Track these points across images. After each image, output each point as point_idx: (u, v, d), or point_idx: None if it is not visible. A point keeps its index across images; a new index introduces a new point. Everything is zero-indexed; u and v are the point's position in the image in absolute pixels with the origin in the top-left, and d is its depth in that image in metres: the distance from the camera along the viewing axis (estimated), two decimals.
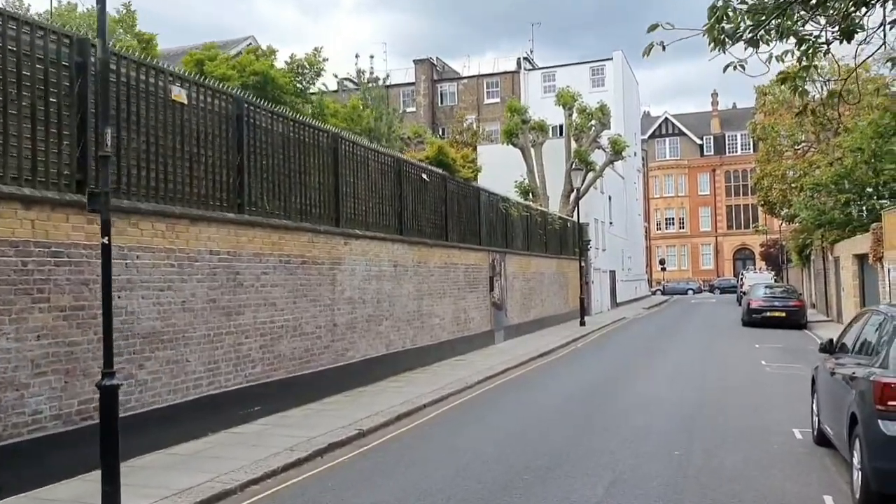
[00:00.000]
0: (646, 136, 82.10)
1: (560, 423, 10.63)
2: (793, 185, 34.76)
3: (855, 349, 7.50)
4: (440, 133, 52.06)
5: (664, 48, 6.98)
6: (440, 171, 18.75)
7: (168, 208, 9.42)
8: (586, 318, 33.72)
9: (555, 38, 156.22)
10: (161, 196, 9.41)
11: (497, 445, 9.40)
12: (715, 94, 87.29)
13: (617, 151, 37.03)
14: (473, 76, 56.46)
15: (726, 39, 6.91)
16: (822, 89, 36.27)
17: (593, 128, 37.06)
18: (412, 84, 56.53)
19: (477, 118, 54.06)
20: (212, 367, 10.09)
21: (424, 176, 17.53)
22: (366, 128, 34.21)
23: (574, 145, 36.52)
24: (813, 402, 9.04)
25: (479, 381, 15.05)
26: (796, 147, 34.98)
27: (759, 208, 49.84)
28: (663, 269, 78.69)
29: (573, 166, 32.33)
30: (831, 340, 8.42)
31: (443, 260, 18.37)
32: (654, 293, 69.75)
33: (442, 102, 56.78)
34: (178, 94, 9.72)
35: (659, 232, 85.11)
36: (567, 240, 33.24)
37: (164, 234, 9.34)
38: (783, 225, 46.94)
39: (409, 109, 55.60)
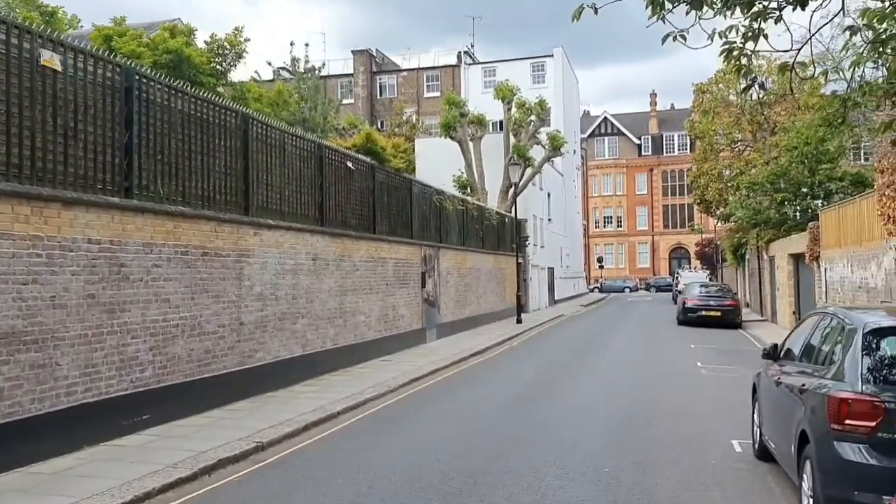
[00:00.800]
0: (585, 135, 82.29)
1: (483, 435, 9.70)
2: (729, 183, 34.71)
3: (802, 356, 6.74)
4: (379, 126, 50.92)
5: (596, 11, 6.10)
6: (368, 159, 17.68)
7: (34, 190, 8.15)
8: (524, 316, 33.05)
9: (498, 36, 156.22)
10: (26, 176, 8.14)
11: (412, 462, 8.42)
12: (654, 95, 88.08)
13: (556, 147, 36.44)
14: (413, 69, 55.40)
15: (665, 2, 6.07)
16: (759, 88, 36.37)
17: (532, 123, 36.40)
18: (350, 75, 55.16)
19: (417, 112, 53.03)
20: (89, 372, 8.85)
21: (349, 164, 16.44)
22: (299, 118, 32.95)
23: (513, 140, 35.80)
24: (754, 412, 8.28)
25: (403, 384, 14.05)
26: (733, 146, 34.92)
27: (695, 207, 50.04)
28: (601, 267, 78.94)
29: (511, 161, 31.54)
30: (775, 346, 7.64)
31: (369, 254, 17.30)
32: (591, 290, 69.81)
33: (381, 94, 55.57)
34: (50, 58, 8.46)
35: (597, 230, 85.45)
36: (505, 235, 32.49)
37: (29, 220, 8.08)
38: (718, 224, 47.16)
39: (346, 101, 54.27)
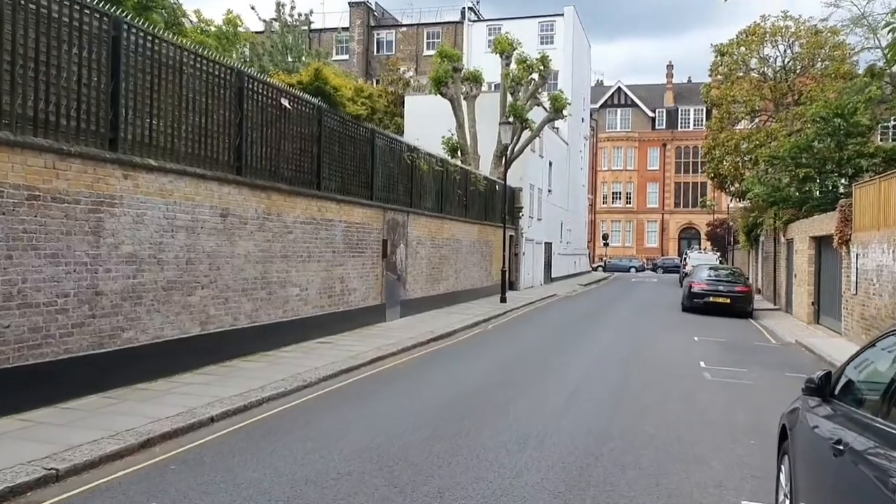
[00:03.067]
0: (597, 106, 78.72)
1: (398, 469, 6.76)
2: (746, 157, 31.45)
3: (889, 401, 3.72)
4: (374, 83, 47.72)
5: None
6: (315, 100, 14.62)
7: None
8: (512, 294, 30.22)
9: (507, 1, 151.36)
10: None
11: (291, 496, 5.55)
12: (670, 66, 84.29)
13: (557, 109, 33.18)
14: (413, 24, 51.95)
15: None
16: (786, 52, 33.04)
17: (533, 81, 33.12)
18: (347, 29, 51.77)
19: (415, 70, 49.70)
20: None
21: (285, 102, 13.40)
22: (282, 69, 29.82)
23: (510, 99, 32.57)
24: (781, 474, 5.26)
25: (325, 377, 11.14)
26: (753, 115, 31.60)
27: (709, 182, 46.74)
28: (606, 245, 75.75)
29: (504, 120, 28.24)
30: (827, 376, 4.59)
31: (309, 214, 14.32)
32: (595, 269, 66.76)
33: (378, 51, 52.22)
34: None
35: (605, 206, 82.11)
36: (495, 204, 29.42)
37: None
38: (732, 203, 43.89)
39: (340, 57, 51.02)
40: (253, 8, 49.98)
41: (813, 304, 22.76)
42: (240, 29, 35.29)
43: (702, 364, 13.72)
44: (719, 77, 33.74)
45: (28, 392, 8.03)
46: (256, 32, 39.34)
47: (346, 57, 51.40)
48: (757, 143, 29.85)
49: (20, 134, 7.90)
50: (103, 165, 9.05)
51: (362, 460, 6.94)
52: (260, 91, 12.70)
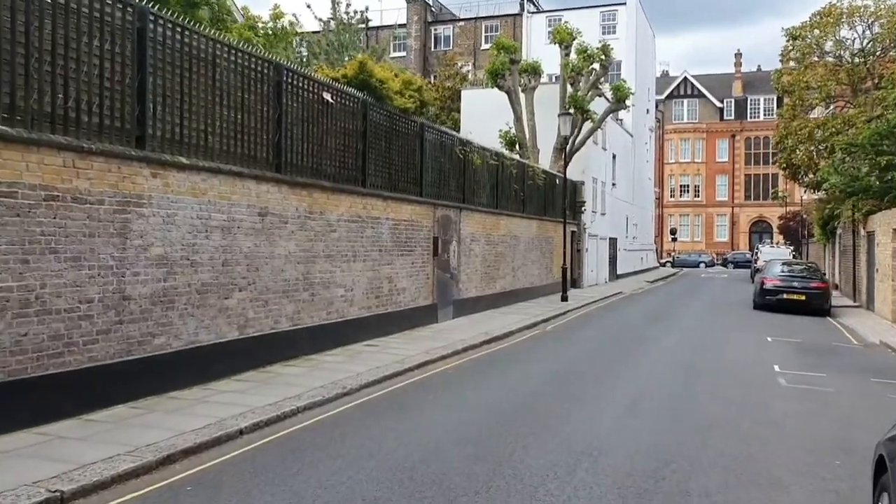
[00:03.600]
0: (662, 97, 76.69)
1: (429, 495, 6.06)
2: (821, 145, 29.74)
3: None
4: (431, 79, 47.18)
5: None
6: (359, 94, 14.05)
7: None
8: (574, 292, 29.28)
9: None
10: None
11: None
12: (738, 55, 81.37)
13: (619, 99, 32.02)
14: (471, 18, 51.20)
15: None
16: (864, 33, 31.12)
17: (594, 71, 32.04)
18: (403, 26, 51.34)
19: (473, 65, 49.00)
20: None
21: (327, 96, 12.85)
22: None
23: (569, 90, 31.56)
24: None
25: (370, 381, 10.56)
26: (828, 101, 29.81)
27: (780, 173, 44.68)
28: (674, 240, 73.71)
29: (563, 111, 27.24)
30: None
31: (354, 212, 13.77)
32: (662, 265, 64.88)
33: (435, 46, 51.66)
34: None
35: (672, 200, 79.87)
36: (555, 199, 28.48)
37: None
38: (805, 194, 41.86)
39: (397, 54, 50.58)
40: (309, 6, 49.81)
41: None
42: (296, 28, 35.25)
43: (776, 368, 12.66)
44: (791, 63, 32.03)
45: (49, 403, 7.64)
46: (313, 32, 39.22)
47: (403, 54, 50.99)
48: (833, 130, 28.14)
49: (36, 131, 7.49)
50: (129, 164, 8.61)
51: (392, 483, 6.28)
52: (300, 85, 12.17)
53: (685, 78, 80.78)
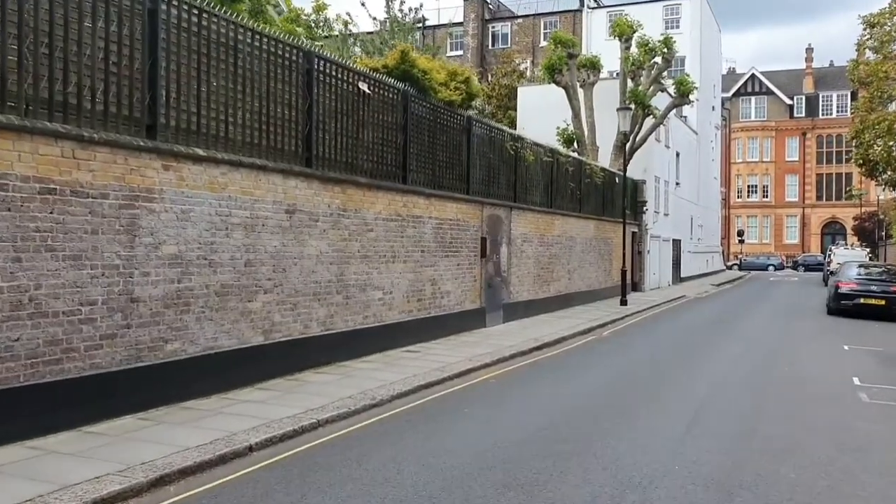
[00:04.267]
0: (729, 94, 74.17)
1: None
2: None
3: None
4: (488, 78, 46.36)
5: None
6: (399, 85, 13.28)
7: None
8: (635, 296, 28.08)
9: None
10: None
11: None
12: (810, 50, 78.34)
13: (683, 94, 30.58)
14: (529, 15, 50.13)
15: None
16: None
17: (656, 65, 30.69)
18: (461, 24, 50.60)
19: (531, 62, 47.93)
20: None
21: (363, 86, 12.11)
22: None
23: (630, 85, 30.29)
24: None
25: (403, 392, 9.75)
26: None
27: (855, 171, 42.25)
28: (741, 242, 71.17)
29: (622, 105, 25.98)
30: None
31: (394, 210, 13.00)
32: (729, 268, 62.61)
33: (493, 44, 50.73)
34: None
35: (739, 200, 77.18)
36: (614, 198, 27.27)
37: None
38: (884, 193, 39.50)
39: (454, 53, 49.90)
40: (363, 4, 49.55)
41: None
42: (351, 27, 34.75)
43: (856, 381, 11.37)
44: (868, 53, 30.06)
45: (45, 415, 7.03)
46: (368, 33, 38.82)
47: (460, 52, 50.25)
48: None
49: (31, 118, 6.90)
50: (137, 155, 7.98)
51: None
52: (333, 74, 11.44)
53: (753, 75, 78.03)
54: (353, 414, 8.62)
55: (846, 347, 15.42)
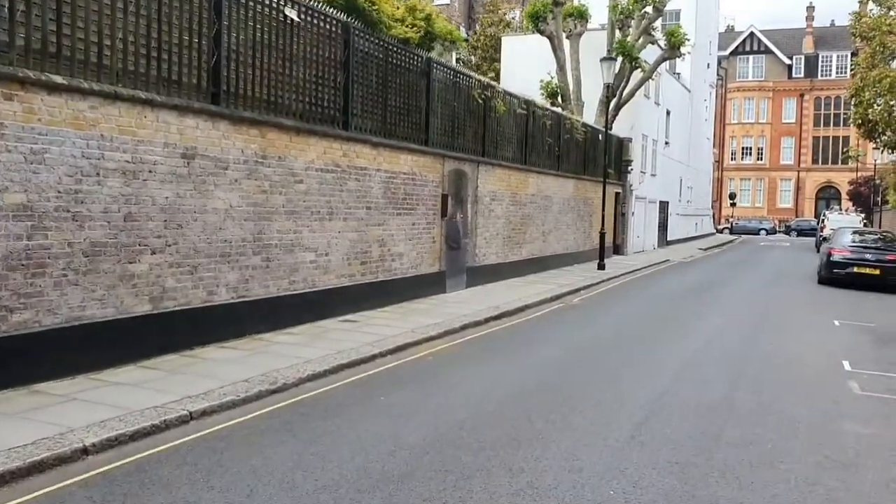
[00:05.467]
0: (726, 53, 71.97)
1: None
2: None
3: None
4: (475, 30, 44.33)
5: None
6: (339, 15, 11.55)
7: None
8: (617, 259, 26.75)
9: None
10: None
11: None
12: (811, 9, 75.69)
13: (674, 46, 28.70)
14: None
15: None
16: None
17: (646, 15, 28.77)
18: None
19: (521, 12, 45.72)
20: None
21: (291, 13, 10.38)
22: None
23: (618, 35, 28.45)
24: None
25: (318, 373, 8.27)
26: None
27: (854, 132, 40.50)
28: (733, 205, 69.60)
29: (606, 56, 24.07)
30: None
31: (331, 159, 11.38)
32: (720, 231, 61.18)
33: None
34: None
35: (733, 162, 75.41)
36: (597, 156, 25.60)
37: None
38: (883, 155, 37.89)
39: (440, 2, 47.61)
40: None
41: None
42: None
43: (846, 366, 9.90)
44: (871, 5, 28.24)
45: None
46: None
47: (447, 1, 48.00)
48: None
49: None
50: None
51: None
52: None
53: (752, 33, 75.67)
54: (241, 403, 7.11)
55: (837, 323, 13.97)
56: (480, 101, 16.55)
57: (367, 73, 12.34)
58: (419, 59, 14.01)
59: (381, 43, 12.72)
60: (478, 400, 7.50)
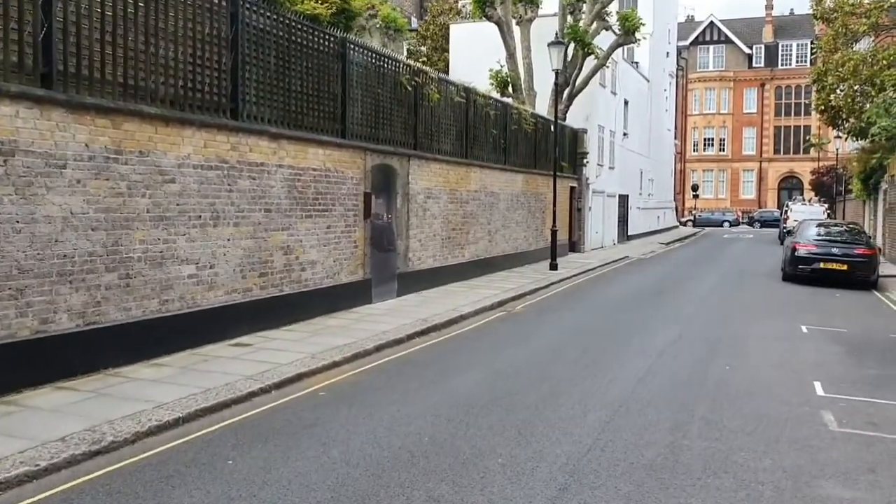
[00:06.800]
0: (687, 43, 71.10)
1: None
2: (868, 83, 24.90)
3: None
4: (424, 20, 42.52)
5: None
6: None
7: None
8: (573, 257, 25.37)
9: None
10: None
11: None
12: None
13: (628, 31, 27.21)
14: None
15: None
16: None
17: (598, 0, 27.26)
18: None
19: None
20: None
21: None
22: None
23: (569, 20, 26.93)
24: None
25: (164, 423, 6.55)
26: (877, 30, 24.84)
27: (816, 120, 39.51)
28: (696, 197, 68.72)
29: (553, 41, 22.43)
30: None
31: (215, 153, 9.64)
32: (683, 224, 60.24)
33: None
34: None
35: (695, 154, 74.58)
36: (548, 149, 24.07)
37: None
38: (846, 144, 36.90)
39: None
40: None
41: None
42: None
43: (818, 390, 8.39)
44: None
45: None
46: None
47: None
48: (883, 63, 23.35)
49: None
50: None
51: None
52: None
53: (711, 22, 74.85)
54: (42, 474, 5.39)
55: (804, 329, 12.53)
56: (410, 89, 14.88)
57: (264, 54, 10.61)
58: (332, 40, 12.29)
59: (281, 19, 10.99)
60: (346, 468, 5.76)
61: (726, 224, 60.37)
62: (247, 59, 10.23)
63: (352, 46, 12.84)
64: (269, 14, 10.70)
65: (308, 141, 11.58)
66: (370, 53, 13.63)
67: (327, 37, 12.16)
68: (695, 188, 69.28)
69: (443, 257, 16.71)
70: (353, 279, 13.00)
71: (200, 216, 9.42)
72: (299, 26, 11.41)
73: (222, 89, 9.83)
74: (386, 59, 14.20)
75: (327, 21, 12.26)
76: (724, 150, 74.74)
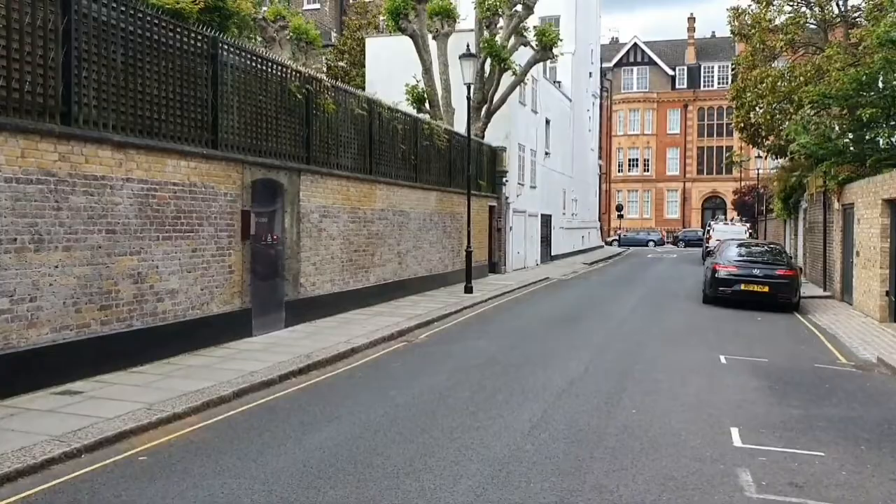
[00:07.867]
0: (611, 64, 71.66)
1: None
2: (786, 100, 24.62)
3: None
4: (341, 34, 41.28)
5: None
6: None
7: None
8: (493, 279, 24.31)
9: None
10: None
11: None
12: (692, 20, 76.34)
13: (545, 46, 26.40)
14: None
15: None
16: None
17: (516, 14, 26.43)
18: None
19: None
20: None
21: None
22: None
23: (485, 34, 25.98)
24: None
25: None
26: (793, 46, 24.64)
27: (736, 138, 39.54)
28: (621, 217, 68.87)
29: (464, 54, 21.33)
30: None
31: (38, 164, 8.09)
32: (609, 243, 60.13)
33: None
34: None
35: (620, 174, 74.97)
36: (464, 167, 22.92)
37: None
38: (766, 162, 36.96)
39: (312, 6, 44.51)
40: None
41: (888, 294, 16.27)
42: None
43: (735, 439, 7.24)
44: (750, 1, 26.82)
45: None
46: None
47: (317, 6, 44.86)
48: (801, 80, 23.07)
49: None
50: None
51: None
52: None
53: (635, 44, 75.61)
54: None
55: (723, 360, 11.52)
56: (300, 97, 13.51)
57: (108, 50, 9.11)
58: (199, 39, 10.85)
59: (132, 12, 9.51)
60: None
61: (651, 243, 60.53)
62: (84, 55, 8.73)
63: (224, 47, 11.41)
64: (114, 4, 9.21)
65: (167, 151, 10.09)
66: (249, 56, 12.21)
67: (194, 35, 10.72)
68: (619, 208, 69.44)
69: (343, 282, 15.31)
70: (227, 309, 11.48)
71: (16, 239, 7.84)
72: (156, 21, 9.95)
73: (49, 89, 8.29)
74: (269, 64, 12.81)
75: (195, 18, 10.80)
76: (648, 170, 75.31)
